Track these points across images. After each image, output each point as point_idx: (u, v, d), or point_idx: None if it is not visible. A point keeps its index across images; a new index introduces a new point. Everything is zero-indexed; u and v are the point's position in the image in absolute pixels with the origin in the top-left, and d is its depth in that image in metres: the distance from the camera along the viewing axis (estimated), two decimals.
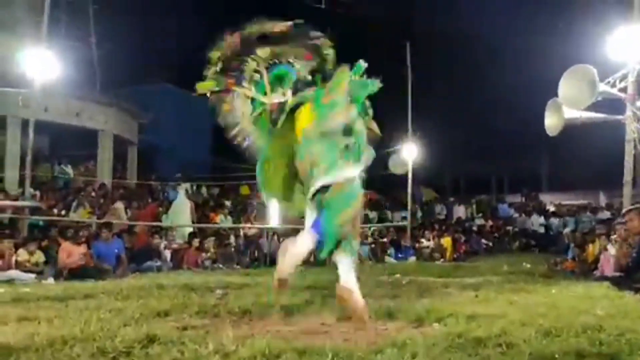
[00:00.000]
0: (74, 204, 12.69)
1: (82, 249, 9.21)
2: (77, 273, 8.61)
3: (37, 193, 12.64)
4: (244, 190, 16.91)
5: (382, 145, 19.03)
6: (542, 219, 19.87)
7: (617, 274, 6.67)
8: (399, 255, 13.84)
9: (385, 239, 15.12)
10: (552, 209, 21.99)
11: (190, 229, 12.32)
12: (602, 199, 22.23)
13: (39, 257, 8.91)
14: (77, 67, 17.04)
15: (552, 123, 9.50)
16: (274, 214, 12.76)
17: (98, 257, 9.42)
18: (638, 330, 3.24)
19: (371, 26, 25.02)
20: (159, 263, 10.41)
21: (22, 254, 8.74)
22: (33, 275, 8.35)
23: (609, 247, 8.08)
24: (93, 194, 14.37)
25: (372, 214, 18.21)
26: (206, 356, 2.66)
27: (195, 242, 11.36)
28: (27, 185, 10.92)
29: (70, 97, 15.78)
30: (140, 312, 4.09)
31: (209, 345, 2.84)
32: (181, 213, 12.75)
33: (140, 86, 25.55)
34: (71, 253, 9.00)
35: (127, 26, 21.61)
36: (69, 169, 16.56)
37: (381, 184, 24.38)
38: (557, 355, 2.63)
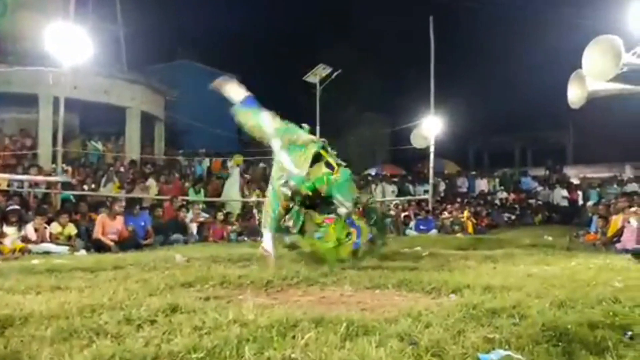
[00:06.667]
0: (104, 179, 12.94)
1: (118, 222, 9.43)
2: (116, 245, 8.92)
3: (69, 168, 12.93)
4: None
5: (405, 119, 18.98)
6: (565, 192, 19.57)
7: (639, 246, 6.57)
8: (421, 228, 13.80)
9: (407, 212, 15.12)
10: (576, 181, 21.65)
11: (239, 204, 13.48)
12: (629, 172, 21.73)
13: (71, 230, 9.16)
14: (105, 46, 17.15)
15: (575, 95, 9.27)
16: None
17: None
18: None
19: None
20: (186, 237, 10.61)
21: (55, 227, 9.00)
22: (66, 248, 8.61)
23: (632, 219, 7.95)
24: (122, 169, 14.63)
25: (393, 187, 18.17)
26: (226, 324, 2.72)
27: (220, 215, 11.50)
28: (59, 161, 11.18)
29: (98, 75, 15.95)
30: (165, 283, 4.19)
31: (229, 314, 2.91)
32: (233, 188, 13.98)
33: (166, 64, 25.73)
34: (106, 226, 9.25)
35: (153, 5, 21.66)
36: (99, 145, 16.84)
37: (403, 158, 24.28)
38: (569, 327, 2.61)
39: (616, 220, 9.69)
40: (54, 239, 8.85)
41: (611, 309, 3.06)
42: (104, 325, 2.71)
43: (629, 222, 8.43)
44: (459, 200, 17.10)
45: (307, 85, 17.42)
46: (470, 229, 14.18)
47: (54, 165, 12.01)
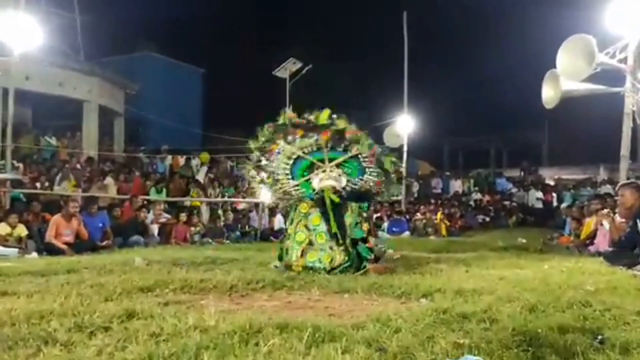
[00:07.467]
0: (58, 177, 12.64)
1: (75, 223, 9.16)
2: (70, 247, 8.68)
3: (20, 165, 12.58)
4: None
5: (378, 117, 19.10)
6: (540, 194, 20.01)
7: (611, 249, 6.75)
8: (393, 230, 13.93)
9: (379, 213, 15.22)
10: (551, 183, 22.16)
11: None
12: (603, 173, 22.35)
13: (22, 231, 8.89)
14: (60, 35, 16.81)
15: (549, 95, 9.49)
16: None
17: None
18: (624, 306, 3.31)
19: None
20: (146, 238, 10.43)
21: (4, 228, 8.73)
22: (16, 250, 8.36)
23: (604, 222, 8.15)
24: (78, 166, 14.32)
25: None
26: (185, 331, 2.69)
27: (183, 216, 11.38)
28: (8, 156, 10.86)
29: (52, 66, 15.59)
30: (122, 288, 4.12)
31: (189, 320, 2.88)
32: None
33: (126, 55, 25.26)
34: (61, 227, 8.99)
35: None
36: (54, 141, 16.44)
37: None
38: (539, 331, 2.68)
39: (589, 223, 9.93)
40: (2, 240, 8.58)
41: (582, 312, 3.14)
42: (53, 333, 2.64)
43: (601, 224, 8.65)
44: (432, 201, 17.31)
45: (276, 80, 17.39)
46: (443, 231, 14.38)
47: (3, 162, 11.66)
